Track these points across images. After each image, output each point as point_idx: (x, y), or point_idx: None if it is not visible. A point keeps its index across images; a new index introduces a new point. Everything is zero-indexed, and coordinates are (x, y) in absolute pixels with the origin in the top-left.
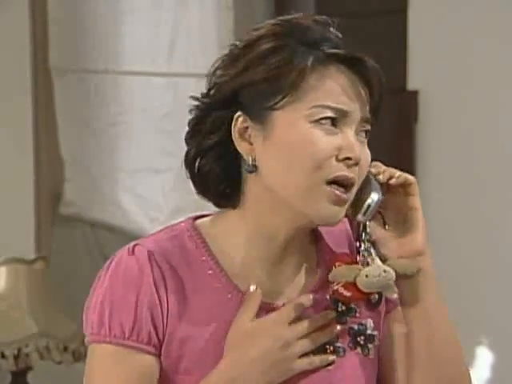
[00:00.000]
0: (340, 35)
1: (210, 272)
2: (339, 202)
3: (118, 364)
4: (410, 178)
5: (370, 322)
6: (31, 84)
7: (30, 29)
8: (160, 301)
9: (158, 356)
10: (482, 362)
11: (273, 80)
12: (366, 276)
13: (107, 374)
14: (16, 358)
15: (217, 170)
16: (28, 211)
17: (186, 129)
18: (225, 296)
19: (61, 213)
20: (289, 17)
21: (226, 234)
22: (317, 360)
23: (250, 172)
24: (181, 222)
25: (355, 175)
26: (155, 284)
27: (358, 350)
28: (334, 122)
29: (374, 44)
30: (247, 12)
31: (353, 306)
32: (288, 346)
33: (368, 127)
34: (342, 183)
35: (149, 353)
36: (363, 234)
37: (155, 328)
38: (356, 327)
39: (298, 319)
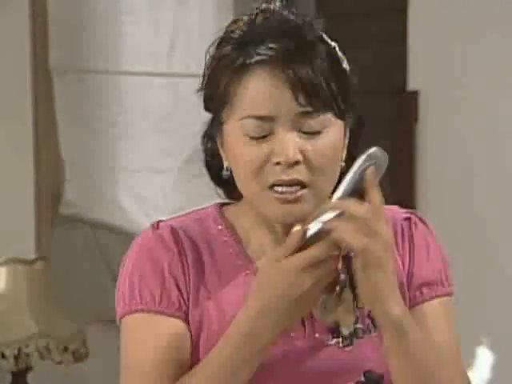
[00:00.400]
0: (286, 24)
1: (231, 251)
2: (290, 201)
3: (151, 329)
4: (358, 248)
5: None
6: (31, 84)
7: (30, 29)
8: (183, 271)
9: (188, 323)
10: (482, 362)
11: (214, 95)
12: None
13: (141, 340)
14: (16, 358)
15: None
16: (28, 211)
17: (186, 129)
18: (244, 272)
19: (61, 213)
20: (238, 17)
21: (242, 219)
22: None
23: (228, 176)
24: (207, 207)
25: (298, 175)
26: (179, 256)
27: (377, 333)
28: (264, 128)
29: (374, 44)
30: (247, 12)
31: None
32: (306, 292)
33: (316, 120)
34: (289, 184)
35: (179, 318)
36: (345, 265)
37: (182, 295)
38: None
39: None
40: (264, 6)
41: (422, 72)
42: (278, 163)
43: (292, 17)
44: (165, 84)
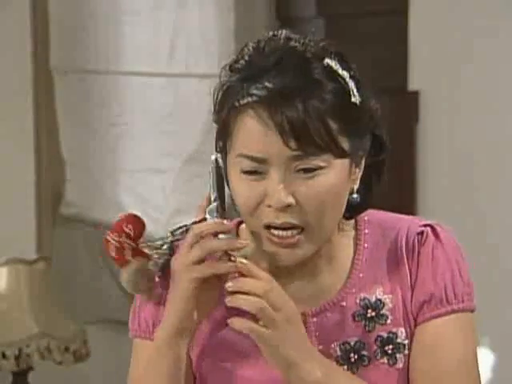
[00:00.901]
0: (287, 62)
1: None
2: (284, 245)
3: (144, 354)
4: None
5: (401, 331)
6: (32, 84)
7: (30, 29)
8: None
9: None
10: (483, 362)
11: (218, 123)
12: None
13: (136, 363)
14: (17, 358)
15: None
16: (29, 212)
17: (187, 129)
18: None
19: (62, 213)
20: (247, 43)
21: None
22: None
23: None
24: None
25: (290, 219)
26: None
27: (384, 359)
28: (259, 167)
29: (375, 44)
30: (248, 12)
31: (384, 312)
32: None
33: (311, 163)
34: (282, 227)
35: None
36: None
37: None
38: (385, 335)
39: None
40: (271, 33)
41: (422, 72)
42: (270, 206)
43: (301, 48)
44: (165, 84)
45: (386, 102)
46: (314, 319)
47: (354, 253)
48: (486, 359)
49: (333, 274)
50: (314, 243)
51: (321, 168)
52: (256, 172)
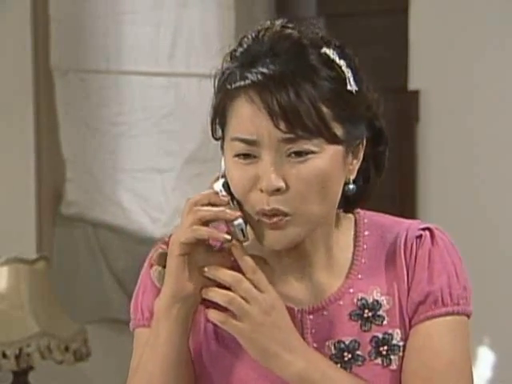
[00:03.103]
0: (279, 50)
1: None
2: (272, 226)
3: (150, 343)
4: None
5: (397, 332)
6: (32, 84)
7: (31, 29)
8: None
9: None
10: (483, 362)
11: (216, 109)
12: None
13: (140, 354)
14: (17, 357)
15: None
16: (29, 211)
17: (187, 128)
18: None
19: (62, 213)
20: (247, 32)
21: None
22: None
23: None
24: None
25: (279, 205)
26: None
27: (379, 360)
28: (251, 151)
29: (376, 44)
30: (248, 12)
31: (380, 313)
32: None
33: (302, 146)
34: (271, 214)
35: None
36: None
37: None
38: (381, 336)
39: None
40: (269, 22)
41: (423, 71)
42: (261, 190)
43: (297, 34)
44: (166, 84)
45: (386, 102)
46: (311, 316)
47: (353, 254)
48: (486, 359)
49: (331, 273)
50: (301, 227)
51: (312, 152)
52: (249, 155)
